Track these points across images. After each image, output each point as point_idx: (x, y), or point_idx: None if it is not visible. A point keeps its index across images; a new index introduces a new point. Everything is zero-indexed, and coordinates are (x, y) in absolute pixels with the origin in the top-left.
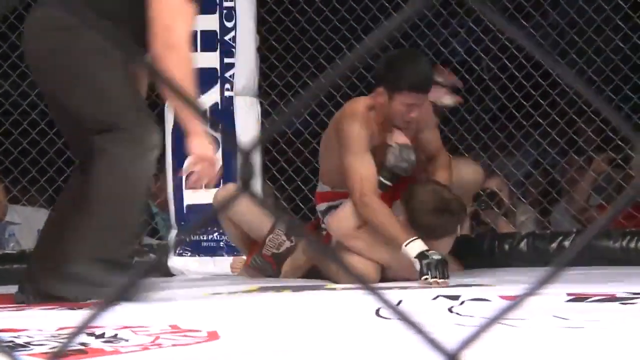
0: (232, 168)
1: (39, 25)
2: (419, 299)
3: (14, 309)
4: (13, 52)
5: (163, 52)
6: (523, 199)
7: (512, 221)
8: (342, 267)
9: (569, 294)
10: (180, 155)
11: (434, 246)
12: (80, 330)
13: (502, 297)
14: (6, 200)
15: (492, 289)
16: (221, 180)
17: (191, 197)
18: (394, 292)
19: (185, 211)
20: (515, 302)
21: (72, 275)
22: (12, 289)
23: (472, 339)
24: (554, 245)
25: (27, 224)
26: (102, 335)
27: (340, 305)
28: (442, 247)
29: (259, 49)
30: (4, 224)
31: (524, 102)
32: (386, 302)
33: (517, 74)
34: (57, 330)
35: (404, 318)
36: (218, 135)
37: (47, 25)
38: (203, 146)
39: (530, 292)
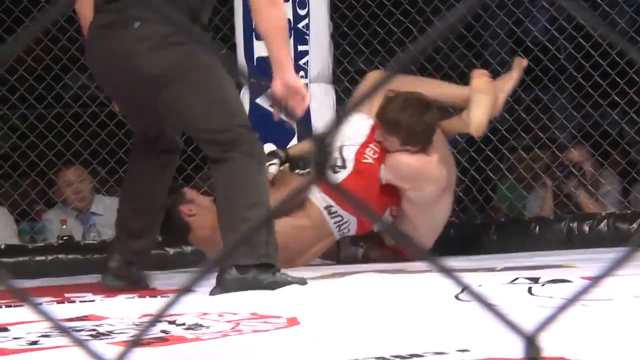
0: None
1: (150, 42)
2: (498, 281)
3: (99, 296)
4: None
5: (265, 5)
6: (609, 168)
7: (595, 188)
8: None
9: None
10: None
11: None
12: (158, 317)
13: (584, 278)
14: (91, 190)
15: (573, 270)
16: None
17: None
18: (473, 276)
19: None
20: (593, 282)
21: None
22: (95, 278)
23: (550, 320)
24: (635, 225)
25: (108, 214)
26: (183, 323)
27: (419, 289)
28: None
29: (331, 36)
30: (88, 215)
31: (601, 81)
32: (464, 284)
33: (592, 52)
34: (140, 318)
35: (481, 301)
36: (293, 122)
37: (161, 42)
38: (296, 79)
39: (608, 272)
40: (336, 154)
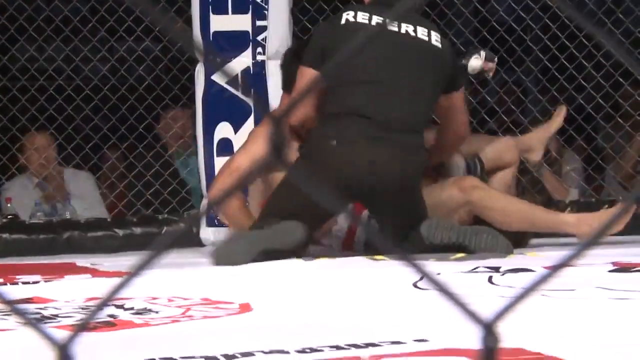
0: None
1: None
2: (458, 269)
3: (44, 278)
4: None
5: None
6: (568, 147)
7: (558, 170)
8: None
9: (613, 264)
10: (209, 122)
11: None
12: (105, 301)
13: (547, 268)
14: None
15: (536, 259)
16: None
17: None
18: (431, 264)
19: None
20: (552, 271)
21: None
22: (41, 259)
23: (508, 309)
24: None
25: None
26: (131, 308)
27: (377, 276)
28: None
29: (291, 11)
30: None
31: (567, 64)
32: (423, 272)
33: (559, 34)
34: (85, 301)
35: (440, 288)
36: (250, 100)
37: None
38: None
39: (568, 262)
40: None
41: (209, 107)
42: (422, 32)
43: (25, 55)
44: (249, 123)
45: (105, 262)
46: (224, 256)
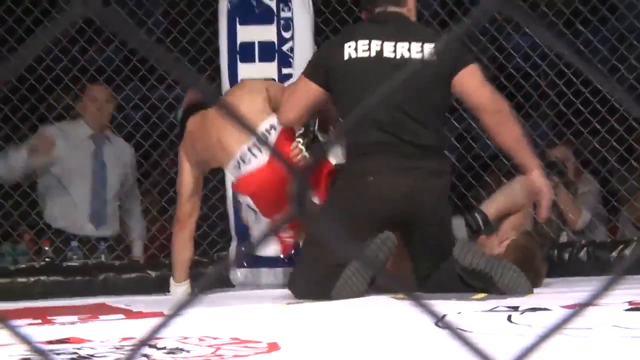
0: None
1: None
2: (478, 308)
3: (81, 318)
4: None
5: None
6: (585, 170)
7: (574, 192)
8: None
9: (629, 303)
10: None
11: None
12: (146, 341)
13: (564, 307)
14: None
15: (552, 298)
16: None
17: None
18: (452, 304)
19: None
20: (575, 311)
21: None
22: (77, 300)
23: (529, 350)
24: (615, 253)
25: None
26: (164, 347)
27: (399, 314)
28: None
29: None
30: (102, 136)
31: (582, 109)
32: (434, 314)
33: (574, 79)
34: (120, 341)
35: (452, 330)
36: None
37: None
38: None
39: (590, 301)
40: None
41: None
42: (416, 50)
43: (62, 104)
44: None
45: (139, 302)
46: (344, 292)
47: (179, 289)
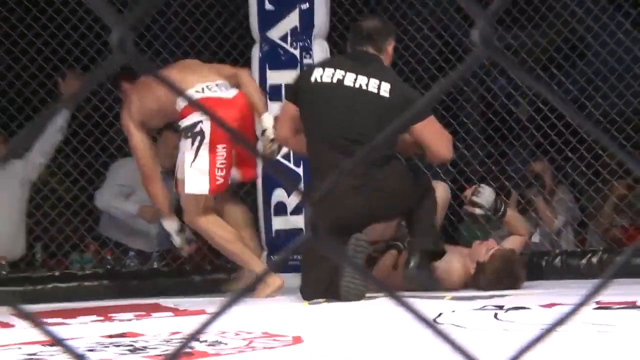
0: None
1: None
2: (470, 307)
3: (136, 316)
4: None
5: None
6: (564, 180)
7: (552, 198)
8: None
9: (597, 303)
10: (266, 188)
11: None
12: (195, 335)
13: (542, 306)
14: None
15: (531, 299)
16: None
17: (279, 223)
18: (445, 303)
19: (274, 235)
20: (570, 311)
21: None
22: (133, 300)
23: (525, 349)
24: (584, 261)
25: None
26: (205, 340)
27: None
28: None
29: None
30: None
31: (556, 139)
32: (419, 316)
33: (549, 115)
34: (169, 335)
35: (437, 332)
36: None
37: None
38: None
39: (585, 302)
40: None
41: (266, 176)
42: (373, 85)
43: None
44: (300, 187)
45: (185, 302)
46: (352, 294)
47: (172, 222)
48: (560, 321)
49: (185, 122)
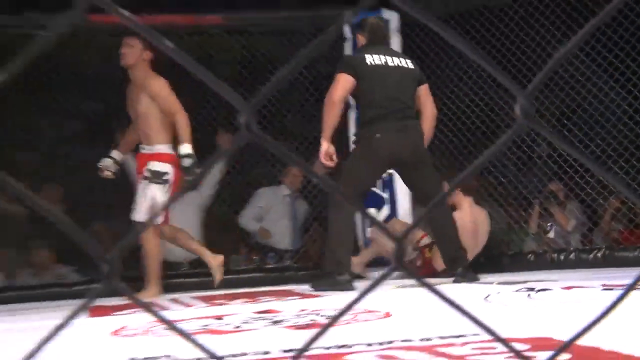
0: None
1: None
2: (509, 289)
3: (276, 298)
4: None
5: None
6: (574, 197)
7: (564, 209)
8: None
9: (603, 285)
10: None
11: None
12: (344, 312)
13: (563, 288)
14: None
15: (554, 283)
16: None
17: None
18: (487, 286)
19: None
20: (622, 294)
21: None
22: (271, 287)
23: (586, 330)
24: (591, 256)
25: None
26: (324, 315)
27: (453, 292)
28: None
29: None
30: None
31: (568, 169)
32: (441, 296)
33: (563, 152)
34: (298, 312)
35: (458, 309)
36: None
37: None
38: None
39: (633, 287)
40: None
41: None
42: (405, 62)
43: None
44: (384, 209)
45: (308, 289)
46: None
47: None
48: (616, 303)
49: None
